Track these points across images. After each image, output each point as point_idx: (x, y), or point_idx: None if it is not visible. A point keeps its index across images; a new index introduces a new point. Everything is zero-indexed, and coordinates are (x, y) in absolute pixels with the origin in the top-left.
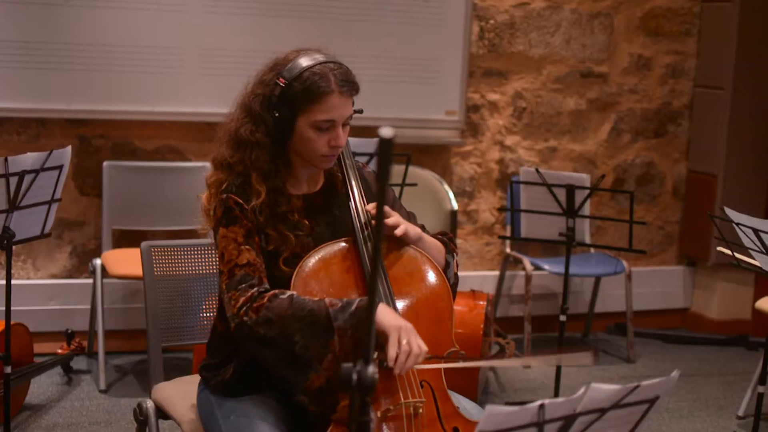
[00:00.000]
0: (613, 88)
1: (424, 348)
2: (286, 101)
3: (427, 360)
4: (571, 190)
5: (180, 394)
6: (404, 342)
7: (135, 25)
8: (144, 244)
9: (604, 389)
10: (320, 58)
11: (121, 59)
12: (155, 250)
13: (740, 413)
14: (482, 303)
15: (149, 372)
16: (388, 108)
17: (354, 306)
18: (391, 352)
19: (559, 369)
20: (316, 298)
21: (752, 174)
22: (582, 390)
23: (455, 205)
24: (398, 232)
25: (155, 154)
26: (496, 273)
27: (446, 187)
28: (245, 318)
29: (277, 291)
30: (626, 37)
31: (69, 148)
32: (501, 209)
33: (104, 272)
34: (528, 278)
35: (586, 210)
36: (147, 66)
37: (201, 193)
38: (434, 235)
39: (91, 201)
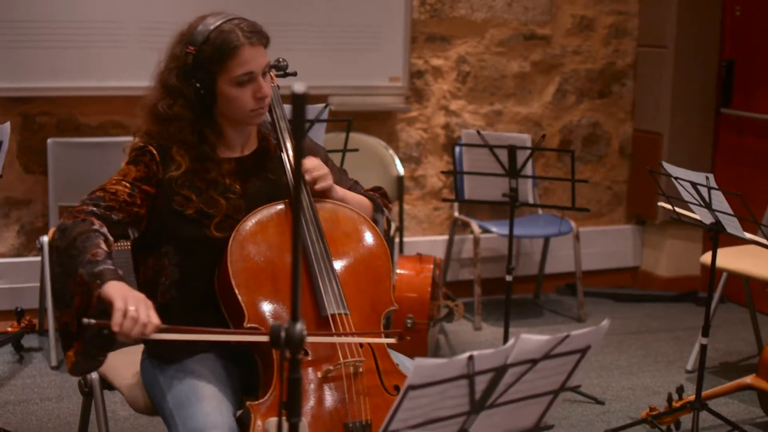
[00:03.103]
0: (557, 49)
1: (155, 321)
2: (201, 67)
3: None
4: (512, 150)
5: (125, 364)
6: (131, 308)
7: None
8: None
9: (534, 340)
10: (224, 16)
11: (62, 35)
12: None
13: (689, 367)
14: (429, 266)
15: None
16: (331, 76)
17: (99, 267)
18: (116, 317)
19: (507, 330)
20: (105, 246)
21: (698, 132)
22: (512, 341)
23: (401, 171)
24: (318, 187)
25: (99, 130)
26: (446, 237)
27: (392, 152)
28: (62, 218)
29: (97, 220)
30: None
31: (8, 124)
32: (445, 172)
33: None
34: (476, 241)
35: (529, 170)
36: (88, 41)
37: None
38: (365, 192)
39: (37, 179)
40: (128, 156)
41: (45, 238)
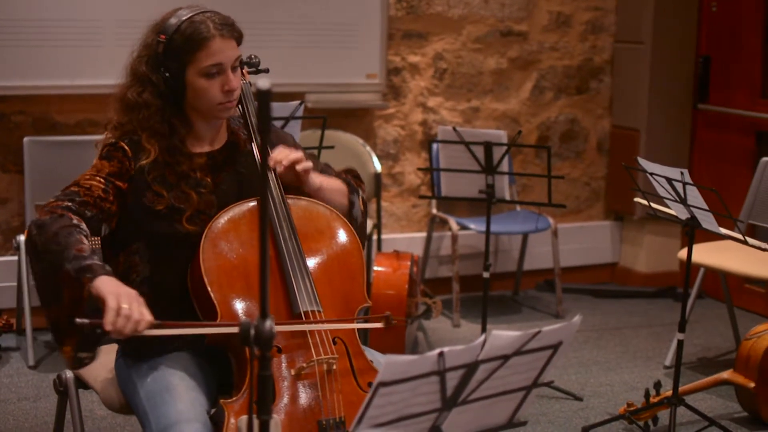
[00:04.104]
0: (534, 46)
1: (148, 317)
2: (171, 56)
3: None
4: (488, 147)
5: (100, 363)
6: (125, 306)
7: None
8: None
9: (504, 336)
10: (197, 9)
11: (38, 34)
12: None
13: (667, 363)
14: (406, 263)
15: None
16: (308, 74)
17: (87, 262)
18: (109, 315)
19: (485, 327)
20: (86, 241)
21: (675, 127)
22: (482, 337)
23: (379, 168)
24: (299, 168)
25: (76, 128)
26: (424, 234)
27: (369, 149)
28: (37, 214)
29: (74, 216)
30: None
31: None
32: (422, 169)
33: None
34: (454, 238)
35: (506, 167)
36: (65, 39)
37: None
38: (338, 174)
39: (13, 177)
40: (100, 151)
41: (21, 238)
